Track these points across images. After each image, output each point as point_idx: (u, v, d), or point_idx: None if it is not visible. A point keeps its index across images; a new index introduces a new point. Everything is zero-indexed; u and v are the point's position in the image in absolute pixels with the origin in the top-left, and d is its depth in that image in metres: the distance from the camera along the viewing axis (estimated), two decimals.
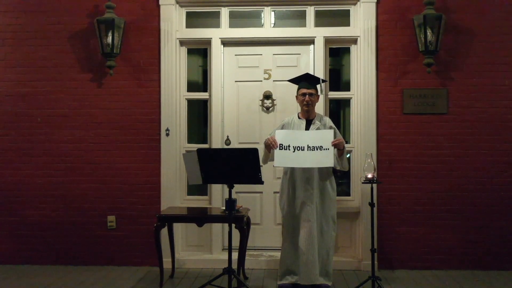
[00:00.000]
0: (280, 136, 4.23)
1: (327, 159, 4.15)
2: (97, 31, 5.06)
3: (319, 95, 4.47)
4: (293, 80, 4.51)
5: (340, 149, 4.24)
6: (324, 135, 4.20)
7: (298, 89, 4.43)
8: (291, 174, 4.39)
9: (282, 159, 4.21)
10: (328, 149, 4.14)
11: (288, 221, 4.39)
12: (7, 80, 5.29)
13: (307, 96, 4.34)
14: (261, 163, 4.22)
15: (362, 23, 5.15)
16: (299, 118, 4.46)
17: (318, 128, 4.35)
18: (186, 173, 4.44)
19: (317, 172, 4.31)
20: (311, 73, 5.23)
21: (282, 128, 4.45)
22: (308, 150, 4.16)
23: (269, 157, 4.37)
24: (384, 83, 5.13)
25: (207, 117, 5.43)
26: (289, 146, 4.18)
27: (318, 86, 4.41)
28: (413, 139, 5.11)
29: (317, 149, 4.14)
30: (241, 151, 4.17)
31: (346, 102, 5.67)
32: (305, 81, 4.40)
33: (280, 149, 4.18)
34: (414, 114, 5.11)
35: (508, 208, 5.07)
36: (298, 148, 4.18)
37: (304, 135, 4.25)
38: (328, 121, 4.46)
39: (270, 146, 4.24)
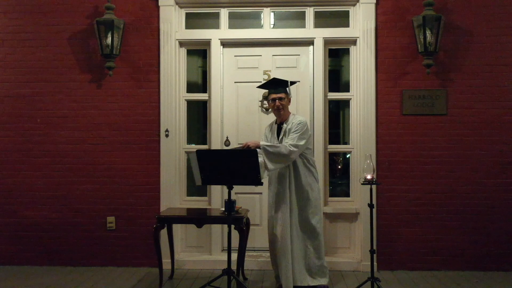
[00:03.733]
0: None
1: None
2: (96, 32, 5.06)
3: (290, 98, 4.44)
4: (261, 86, 4.56)
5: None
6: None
7: (268, 94, 4.47)
8: (269, 180, 4.45)
9: None
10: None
11: (269, 227, 4.44)
12: (6, 81, 5.30)
13: (276, 101, 4.36)
14: (264, 174, 4.20)
15: (362, 24, 5.15)
16: (275, 123, 4.50)
17: (285, 131, 4.35)
18: (193, 173, 4.36)
19: (291, 171, 4.31)
20: (310, 74, 5.25)
21: (265, 133, 4.54)
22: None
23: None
24: (384, 84, 5.14)
25: (206, 118, 5.43)
26: None
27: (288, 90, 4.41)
28: (412, 140, 5.11)
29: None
30: (241, 152, 4.17)
31: (346, 103, 5.67)
32: (273, 86, 4.42)
33: None
34: (414, 115, 5.11)
35: (508, 209, 5.07)
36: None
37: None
38: (295, 121, 4.34)
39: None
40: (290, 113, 4.46)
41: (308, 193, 4.33)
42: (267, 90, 5.28)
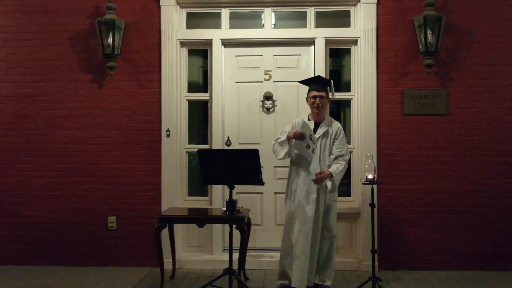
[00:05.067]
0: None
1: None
2: (97, 32, 5.06)
3: (329, 98, 4.46)
4: (304, 82, 4.51)
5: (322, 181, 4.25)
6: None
7: (309, 91, 4.41)
8: (296, 169, 4.34)
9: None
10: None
11: (289, 221, 4.36)
12: (8, 81, 5.30)
13: (317, 99, 4.32)
14: (279, 156, 4.32)
15: (363, 24, 5.16)
16: (309, 119, 4.43)
17: (325, 132, 4.33)
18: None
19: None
20: (311, 74, 5.25)
21: (293, 126, 4.41)
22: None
23: (285, 150, 4.31)
24: (385, 84, 5.14)
25: (207, 118, 5.44)
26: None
27: (329, 89, 4.40)
28: (414, 140, 5.11)
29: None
30: (242, 151, 4.17)
31: (347, 103, 5.67)
32: (316, 83, 4.39)
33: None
34: (414, 115, 5.12)
35: (509, 209, 5.08)
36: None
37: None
38: (335, 126, 4.39)
39: (295, 136, 4.16)
40: (326, 114, 4.47)
41: (332, 196, 4.34)
42: (268, 90, 5.34)
